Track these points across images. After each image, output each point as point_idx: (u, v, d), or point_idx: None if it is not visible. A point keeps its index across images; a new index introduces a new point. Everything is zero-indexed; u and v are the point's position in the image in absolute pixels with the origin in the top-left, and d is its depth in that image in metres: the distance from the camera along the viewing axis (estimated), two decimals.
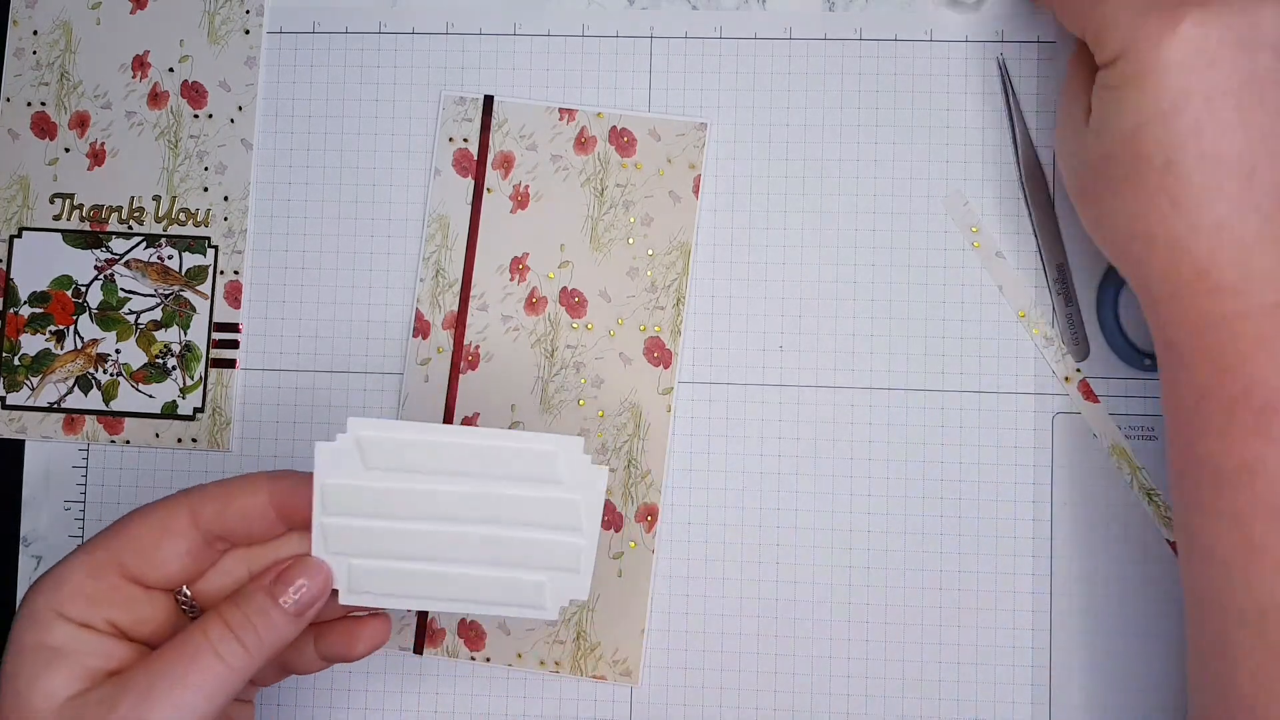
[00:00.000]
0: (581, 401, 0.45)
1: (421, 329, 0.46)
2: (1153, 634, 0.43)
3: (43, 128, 0.48)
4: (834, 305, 0.45)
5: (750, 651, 0.45)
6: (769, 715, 0.44)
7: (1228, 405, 0.33)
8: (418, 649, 0.45)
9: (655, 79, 0.46)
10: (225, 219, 0.47)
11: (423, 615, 0.45)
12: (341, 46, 0.47)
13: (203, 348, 0.47)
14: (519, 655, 0.45)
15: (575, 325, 0.46)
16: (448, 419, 0.46)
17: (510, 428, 0.45)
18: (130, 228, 0.47)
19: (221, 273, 0.47)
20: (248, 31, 0.48)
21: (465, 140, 0.46)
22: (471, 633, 0.45)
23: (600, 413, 0.45)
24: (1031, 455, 0.44)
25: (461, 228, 0.46)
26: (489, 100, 0.46)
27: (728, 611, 0.45)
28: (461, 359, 0.46)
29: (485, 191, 0.46)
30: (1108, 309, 0.44)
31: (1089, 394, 0.44)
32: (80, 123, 0.48)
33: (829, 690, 0.44)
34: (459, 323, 0.46)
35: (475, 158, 0.46)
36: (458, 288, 0.46)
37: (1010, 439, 0.44)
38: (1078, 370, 0.44)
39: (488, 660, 0.45)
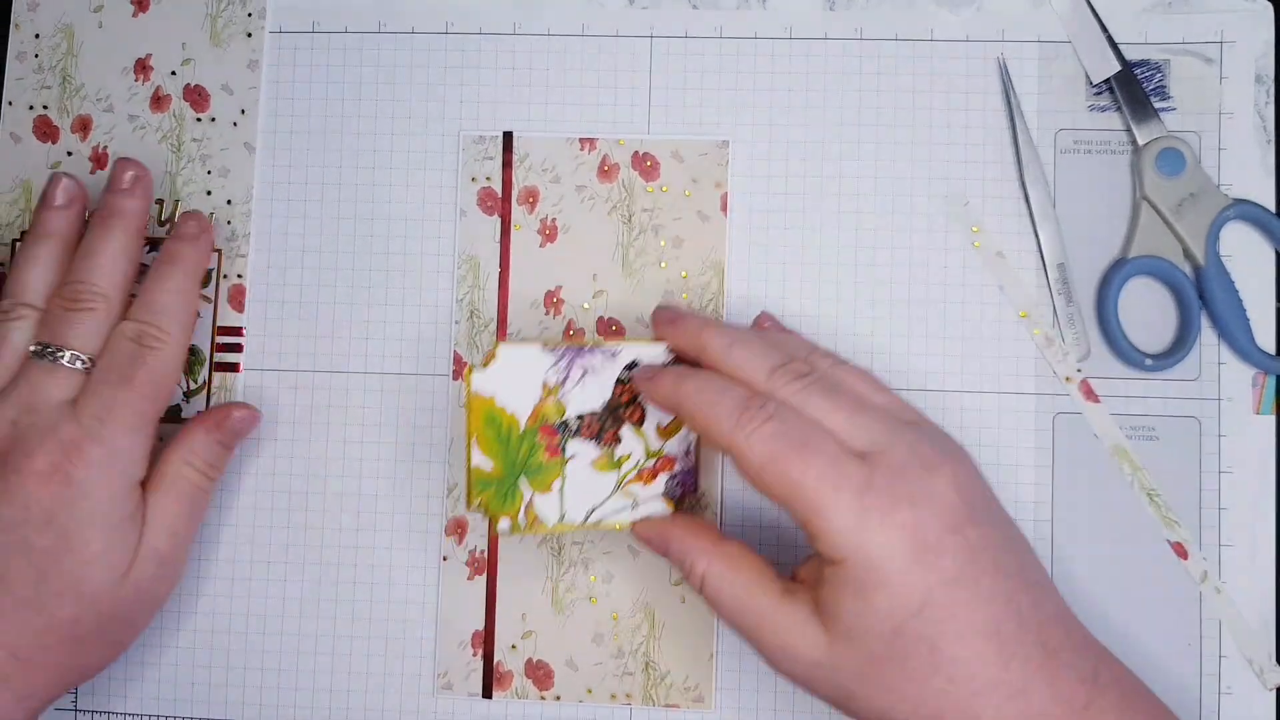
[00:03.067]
0: None
1: (460, 371, 0.46)
2: (1153, 633, 0.43)
3: (45, 131, 0.48)
4: (834, 305, 0.45)
5: None
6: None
7: None
8: (486, 693, 0.45)
9: (655, 79, 0.46)
10: (229, 222, 0.47)
11: (489, 659, 0.45)
12: (341, 46, 0.47)
13: (206, 351, 0.47)
14: (589, 691, 0.45)
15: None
16: None
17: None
18: None
19: (225, 276, 0.47)
20: (250, 35, 0.47)
21: (488, 179, 0.46)
22: (539, 672, 0.45)
23: None
24: (1032, 455, 0.44)
25: (492, 267, 0.46)
26: (508, 137, 0.46)
27: None
28: None
29: (513, 228, 0.46)
30: (1108, 309, 0.44)
31: (1089, 394, 0.44)
32: (82, 126, 0.48)
33: None
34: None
35: (499, 195, 0.46)
36: (493, 326, 0.46)
37: (1010, 439, 0.45)
38: (1078, 370, 0.44)
39: (558, 699, 0.45)
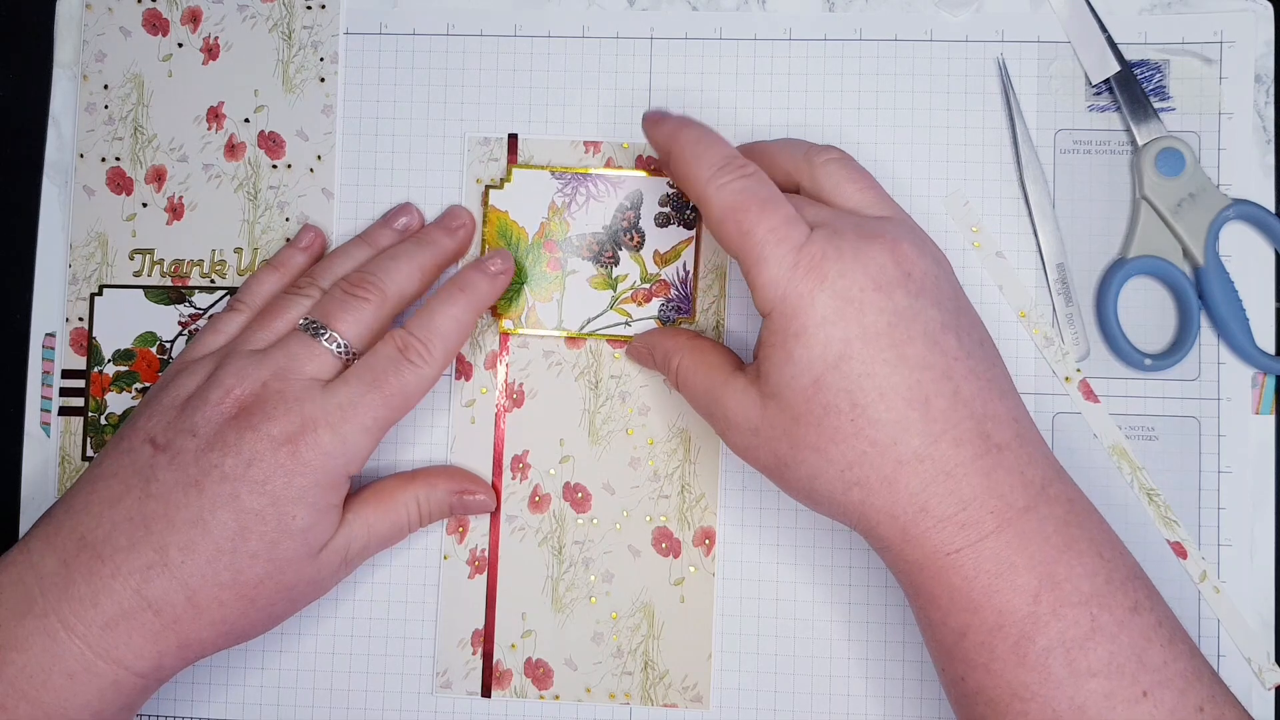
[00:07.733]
0: (630, 430, 0.45)
1: (464, 371, 0.46)
2: None
3: (119, 183, 0.47)
4: None
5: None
6: None
7: (985, 640, 0.34)
8: (485, 692, 0.45)
9: (655, 80, 0.47)
10: None
11: (488, 658, 0.45)
12: (343, 49, 0.47)
13: None
14: (588, 690, 0.45)
15: (617, 356, 0.46)
16: (497, 458, 0.46)
17: (561, 463, 0.46)
18: (213, 281, 0.47)
19: None
20: (323, 80, 0.47)
21: (493, 180, 0.47)
22: (539, 671, 0.45)
23: (650, 440, 0.45)
24: None
25: None
26: (513, 139, 0.47)
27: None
28: (506, 397, 0.46)
29: None
30: (1108, 309, 0.44)
31: (1089, 394, 0.44)
32: (157, 177, 0.47)
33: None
34: (501, 362, 0.46)
35: None
36: (496, 327, 0.46)
37: None
38: (1078, 370, 0.45)
39: (557, 698, 0.45)
